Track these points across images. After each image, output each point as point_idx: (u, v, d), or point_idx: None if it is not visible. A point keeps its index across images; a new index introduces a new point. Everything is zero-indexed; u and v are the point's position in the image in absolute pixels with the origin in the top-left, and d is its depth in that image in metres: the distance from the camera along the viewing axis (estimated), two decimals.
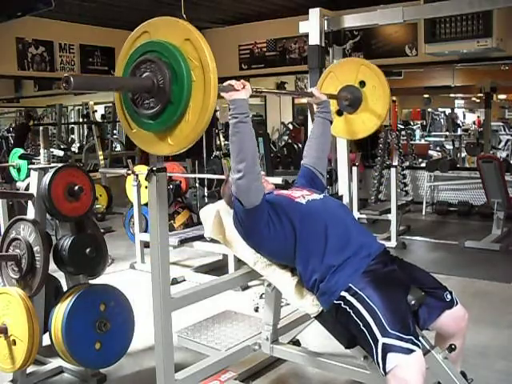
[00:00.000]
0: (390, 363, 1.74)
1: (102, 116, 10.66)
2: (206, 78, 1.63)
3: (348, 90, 3.00)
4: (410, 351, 1.74)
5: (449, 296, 2.04)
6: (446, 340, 2.04)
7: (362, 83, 3.00)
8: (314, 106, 2.74)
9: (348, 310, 1.90)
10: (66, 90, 1.51)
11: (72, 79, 1.49)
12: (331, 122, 2.65)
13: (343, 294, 1.92)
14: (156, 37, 1.73)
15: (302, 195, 2.22)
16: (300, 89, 10.76)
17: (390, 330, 1.77)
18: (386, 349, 1.76)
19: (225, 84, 1.98)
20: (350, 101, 2.97)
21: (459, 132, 11.20)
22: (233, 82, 1.99)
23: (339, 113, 3.05)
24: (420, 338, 1.86)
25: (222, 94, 1.95)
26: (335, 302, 1.94)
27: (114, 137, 9.73)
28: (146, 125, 1.76)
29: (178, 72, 1.65)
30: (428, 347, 1.94)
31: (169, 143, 1.74)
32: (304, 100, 9.88)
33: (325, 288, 1.99)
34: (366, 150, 7.47)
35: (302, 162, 2.56)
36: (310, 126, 4.06)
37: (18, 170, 4.33)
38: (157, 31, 1.75)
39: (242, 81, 2.02)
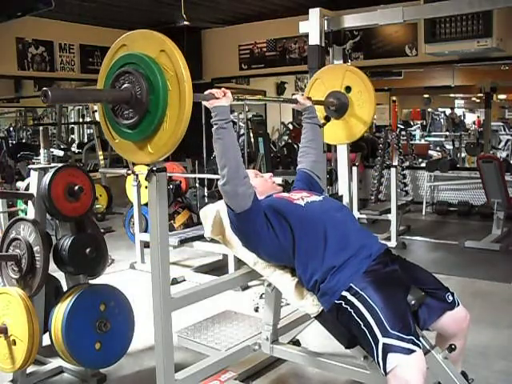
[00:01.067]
0: (391, 363, 1.74)
1: None
2: (181, 88, 1.69)
3: (334, 96, 3.03)
4: (411, 351, 1.74)
5: (450, 297, 2.04)
6: (447, 340, 2.04)
7: (348, 89, 3.03)
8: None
9: (349, 309, 1.90)
10: (44, 103, 1.56)
11: (50, 93, 1.57)
12: (320, 126, 2.67)
13: (344, 293, 1.92)
14: (133, 49, 1.80)
15: (301, 197, 2.22)
16: (300, 89, 10.79)
17: (390, 330, 1.77)
18: (387, 349, 1.76)
19: (206, 93, 2.04)
20: (337, 106, 3.01)
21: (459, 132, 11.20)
22: (213, 90, 2.04)
23: (326, 118, 3.07)
24: (420, 338, 1.86)
25: (204, 102, 2.02)
26: (336, 301, 1.94)
27: None
28: (126, 134, 1.84)
29: (154, 82, 1.72)
30: (428, 347, 1.94)
31: (149, 151, 1.81)
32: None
33: (326, 288, 1.99)
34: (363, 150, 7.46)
35: (297, 167, 2.57)
36: None
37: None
38: (134, 44, 1.82)
39: (222, 89, 2.07)
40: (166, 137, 1.75)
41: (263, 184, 2.34)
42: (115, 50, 1.88)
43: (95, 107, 8.88)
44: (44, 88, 1.55)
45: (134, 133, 1.80)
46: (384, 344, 1.77)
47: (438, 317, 2.02)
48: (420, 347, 1.77)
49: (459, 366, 2.11)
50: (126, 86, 1.75)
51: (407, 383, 1.70)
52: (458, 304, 2.05)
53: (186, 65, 1.70)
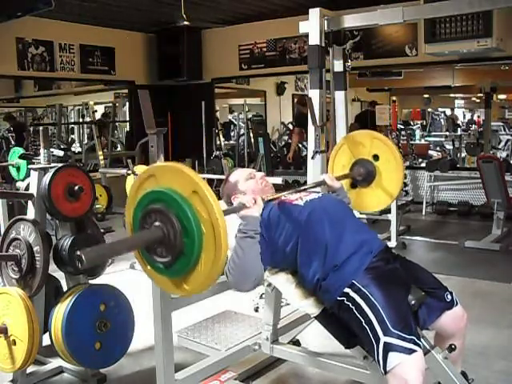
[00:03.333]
0: (391, 362, 1.74)
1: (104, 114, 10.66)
2: (217, 233, 1.58)
3: (361, 164, 2.89)
4: (412, 351, 1.74)
5: (449, 296, 2.04)
6: (446, 340, 2.04)
7: (376, 157, 2.88)
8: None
9: (351, 306, 1.90)
10: (81, 268, 1.47)
11: (83, 256, 1.42)
12: (350, 203, 2.57)
13: (346, 290, 1.92)
14: (163, 183, 1.67)
15: (299, 197, 2.21)
16: (300, 89, 10.78)
17: (392, 329, 1.77)
18: (388, 348, 1.76)
19: (235, 204, 1.98)
20: (364, 176, 2.86)
21: (459, 132, 11.20)
22: (244, 200, 1.99)
23: (353, 186, 2.97)
24: (420, 338, 1.86)
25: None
26: (338, 298, 1.94)
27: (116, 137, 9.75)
28: (159, 270, 1.72)
29: (187, 225, 1.60)
30: (428, 347, 1.94)
31: (184, 288, 1.71)
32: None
33: (327, 285, 1.99)
34: None
35: None
36: (310, 127, 4.04)
37: (18, 169, 4.33)
38: (163, 178, 1.68)
39: (252, 197, 2.02)
40: (201, 278, 1.64)
41: (254, 187, 2.29)
42: (143, 178, 1.74)
43: (95, 107, 8.90)
44: (78, 253, 1.40)
45: (169, 271, 1.69)
46: (385, 343, 1.77)
47: (437, 316, 2.02)
48: (421, 347, 1.77)
49: (459, 365, 2.11)
50: (157, 223, 1.62)
51: (407, 383, 1.70)
52: (457, 303, 2.06)
53: (220, 208, 1.58)
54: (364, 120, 7.87)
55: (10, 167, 4.44)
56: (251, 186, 2.28)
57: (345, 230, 2.07)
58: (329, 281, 1.98)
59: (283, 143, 10.00)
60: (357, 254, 1.99)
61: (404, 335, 1.76)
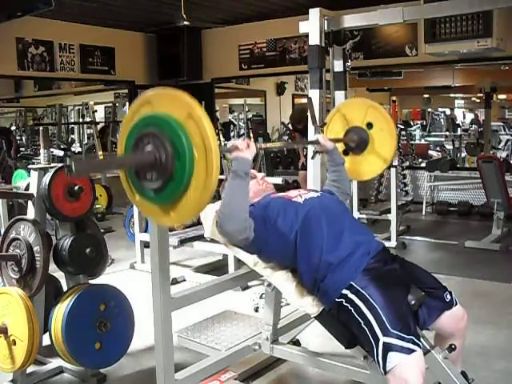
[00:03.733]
0: (391, 362, 1.74)
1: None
2: (208, 158, 1.59)
3: (355, 132, 2.93)
4: (411, 351, 1.74)
5: (448, 296, 2.05)
6: (446, 340, 2.05)
7: (370, 125, 2.92)
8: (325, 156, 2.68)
9: (349, 307, 1.90)
10: (69, 176, 1.49)
11: (73, 165, 1.48)
12: (343, 163, 2.60)
13: (345, 291, 1.92)
14: (159, 109, 1.69)
15: (298, 194, 2.21)
16: (300, 89, 10.79)
17: (391, 330, 1.78)
18: (387, 348, 1.76)
19: (229, 145, 1.99)
20: (357, 142, 2.90)
21: (459, 132, 11.20)
22: (237, 142, 1.99)
23: (345, 153, 2.99)
24: (420, 338, 1.86)
25: (227, 154, 1.95)
26: (337, 300, 1.94)
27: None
28: (148, 197, 1.73)
29: (180, 149, 1.61)
30: (428, 347, 1.94)
31: (171, 216, 1.71)
32: (304, 100, 9.89)
33: (326, 287, 1.99)
34: None
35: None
36: (310, 127, 4.04)
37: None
38: (160, 103, 1.69)
39: (246, 140, 2.02)
40: (190, 205, 1.65)
41: (255, 187, 2.30)
42: (140, 105, 1.75)
43: (95, 107, 8.90)
44: (67, 163, 1.48)
45: (157, 197, 1.70)
46: (384, 343, 1.77)
47: (437, 316, 2.02)
48: (420, 347, 1.77)
49: (459, 365, 2.11)
50: (150, 147, 1.65)
51: (406, 383, 1.70)
52: (456, 303, 2.06)
53: (213, 133, 1.60)
54: None
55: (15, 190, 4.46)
56: (252, 186, 2.28)
57: (343, 229, 2.07)
58: (327, 282, 1.98)
59: None
60: (354, 254, 1.99)
61: (403, 335, 1.76)
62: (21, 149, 9.81)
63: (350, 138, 2.91)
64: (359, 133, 2.90)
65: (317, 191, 2.30)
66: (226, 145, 1.89)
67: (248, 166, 1.97)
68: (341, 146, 2.92)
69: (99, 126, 9.14)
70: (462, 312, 2.07)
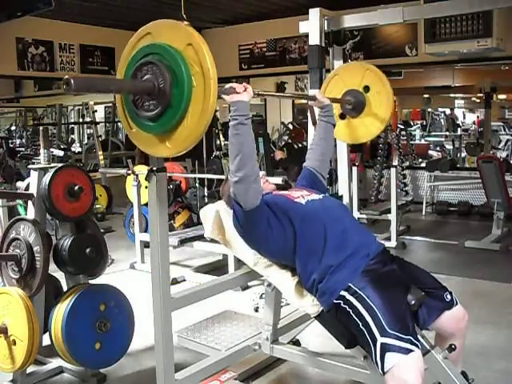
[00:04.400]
0: (389, 363, 1.74)
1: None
2: (206, 84, 1.62)
3: (352, 94, 2.98)
4: (409, 351, 1.74)
5: (449, 296, 2.04)
6: (446, 340, 2.04)
7: (367, 88, 2.98)
8: (316, 110, 2.72)
9: (347, 309, 1.90)
10: (66, 92, 1.50)
11: (72, 81, 1.48)
12: (334, 126, 2.65)
13: (343, 293, 1.92)
14: (159, 39, 1.72)
15: (301, 195, 2.22)
16: (300, 89, 10.78)
17: (388, 330, 1.77)
18: (385, 348, 1.76)
19: (226, 86, 1.98)
20: (354, 105, 2.95)
21: (459, 132, 11.21)
22: (234, 84, 2.00)
23: (342, 116, 3.03)
24: (420, 338, 1.86)
25: (223, 96, 1.96)
26: (335, 301, 1.94)
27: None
28: (145, 126, 1.76)
29: (178, 76, 1.64)
30: (428, 347, 1.94)
31: (167, 146, 1.74)
32: (304, 100, 9.90)
33: (324, 288, 1.99)
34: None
35: (304, 164, 2.56)
36: (310, 127, 4.04)
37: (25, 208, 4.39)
38: (160, 33, 1.73)
39: (243, 84, 2.03)
40: (186, 133, 1.68)
41: None
42: (139, 37, 1.79)
43: (95, 107, 8.89)
44: (66, 76, 1.48)
45: (154, 125, 1.73)
46: (382, 343, 1.77)
47: (436, 316, 2.02)
48: (418, 347, 1.77)
49: (459, 365, 2.11)
50: (148, 76, 1.68)
51: (405, 383, 1.70)
52: (457, 303, 2.06)
53: (212, 61, 1.63)
54: None
55: (19, 206, 4.48)
56: None
57: (343, 231, 2.08)
58: (325, 283, 1.98)
59: (283, 143, 10.00)
60: (354, 256, 1.99)
61: (401, 335, 1.76)
62: (21, 149, 9.82)
63: (346, 100, 2.94)
64: (356, 95, 2.95)
65: (319, 193, 2.30)
66: (223, 87, 1.90)
67: (248, 110, 1.99)
68: (337, 110, 2.94)
69: None
70: (463, 312, 2.07)
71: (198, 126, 1.65)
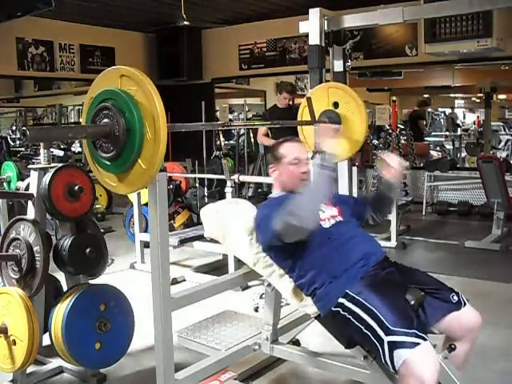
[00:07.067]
0: (398, 360, 1.74)
1: None
2: (156, 125, 1.71)
3: (325, 115, 3.09)
4: (416, 344, 1.73)
5: (455, 297, 2.02)
6: (455, 342, 2.02)
7: (336, 104, 3.09)
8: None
9: (347, 316, 1.90)
10: (25, 141, 1.62)
11: (28, 132, 1.60)
12: (393, 202, 2.72)
13: (341, 300, 1.93)
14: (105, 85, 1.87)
15: (331, 216, 2.18)
16: (300, 89, 10.77)
17: (392, 328, 1.77)
18: (392, 347, 1.76)
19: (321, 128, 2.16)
20: (331, 122, 3.04)
21: (459, 132, 11.20)
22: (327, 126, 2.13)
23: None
24: (424, 331, 1.85)
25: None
26: (333, 309, 1.95)
27: None
28: (105, 166, 1.88)
29: (130, 119, 1.74)
30: None
31: (125, 184, 1.86)
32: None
33: (322, 294, 2.00)
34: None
35: (364, 196, 2.56)
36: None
37: (9, 183, 4.41)
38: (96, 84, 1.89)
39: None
40: (140, 172, 1.78)
41: (290, 176, 2.25)
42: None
43: None
44: (23, 128, 1.61)
45: (113, 165, 1.84)
46: (389, 342, 1.77)
47: (442, 316, 2.00)
48: (425, 339, 1.76)
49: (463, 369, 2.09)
50: (105, 121, 1.79)
51: (419, 375, 1.69)
52: (465, 304, 2.03)
53: (160, 102, 1.71)
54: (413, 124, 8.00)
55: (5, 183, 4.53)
56: (290, 170, 2.24)
57: (349, 239, 2.10)
58: (323, 289, 1.99)
59: None
60: (355, 265, 2.01)
61: (405, 330, 1.76)
62: (21, 149, 9.81)
63: (323, 122, 3.05)
64: (328, 114, 3.05)
65: (346, 212, 2.27)
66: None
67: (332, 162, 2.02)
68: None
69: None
70: (473, 313, 2.04)
71: (151, 166, 1.75)
